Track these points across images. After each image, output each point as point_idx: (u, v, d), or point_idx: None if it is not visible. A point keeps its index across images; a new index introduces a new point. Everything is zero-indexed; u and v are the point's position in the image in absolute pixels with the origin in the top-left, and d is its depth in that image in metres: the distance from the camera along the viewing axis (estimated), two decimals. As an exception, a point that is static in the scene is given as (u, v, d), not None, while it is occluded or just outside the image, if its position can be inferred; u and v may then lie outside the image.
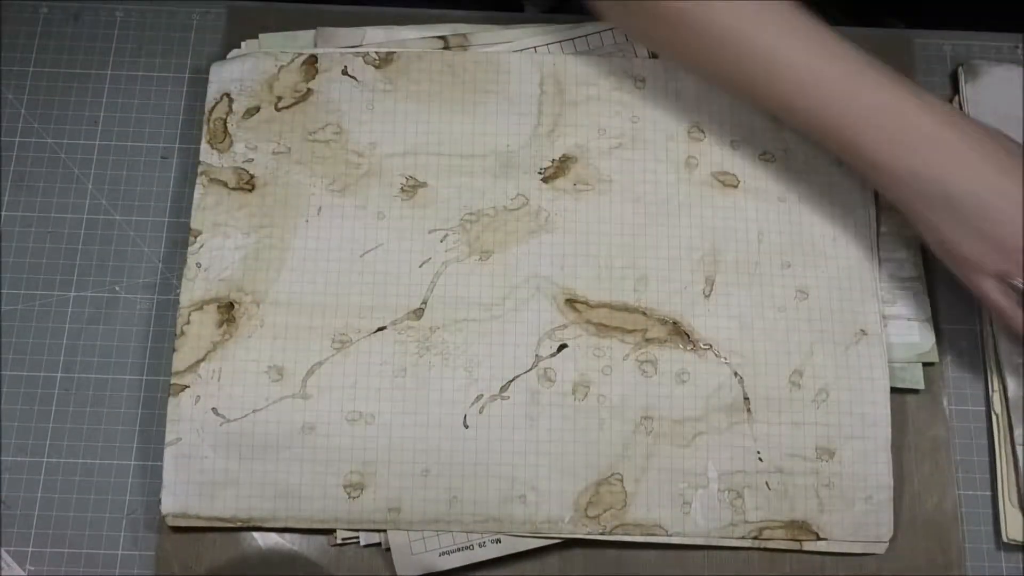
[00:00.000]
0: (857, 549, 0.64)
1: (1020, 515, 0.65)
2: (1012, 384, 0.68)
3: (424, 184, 0.69)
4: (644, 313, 0.66)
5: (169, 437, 0.64)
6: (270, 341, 0.65)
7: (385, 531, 0.63)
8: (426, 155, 0.69)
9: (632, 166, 0.69)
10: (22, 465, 0.66)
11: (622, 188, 0.69)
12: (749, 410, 0.65)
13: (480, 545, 0.63)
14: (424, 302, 0.66)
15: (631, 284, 0.67)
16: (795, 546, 0.64)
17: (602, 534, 0.63)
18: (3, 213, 0.71)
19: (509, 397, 0.65)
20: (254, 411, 0.64)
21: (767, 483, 0.64)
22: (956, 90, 0.75)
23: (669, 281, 0.67)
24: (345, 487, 0.63)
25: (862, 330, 0.67)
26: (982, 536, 0.66)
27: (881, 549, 0.64)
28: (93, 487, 0.66)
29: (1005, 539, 0.65)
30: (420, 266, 0.67)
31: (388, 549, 0.63)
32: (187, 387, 0.64)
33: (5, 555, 0.64)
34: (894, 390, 0.67)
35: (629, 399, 0.65)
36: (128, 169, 0.72)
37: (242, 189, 0.68)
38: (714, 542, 0.64)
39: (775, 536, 0.64)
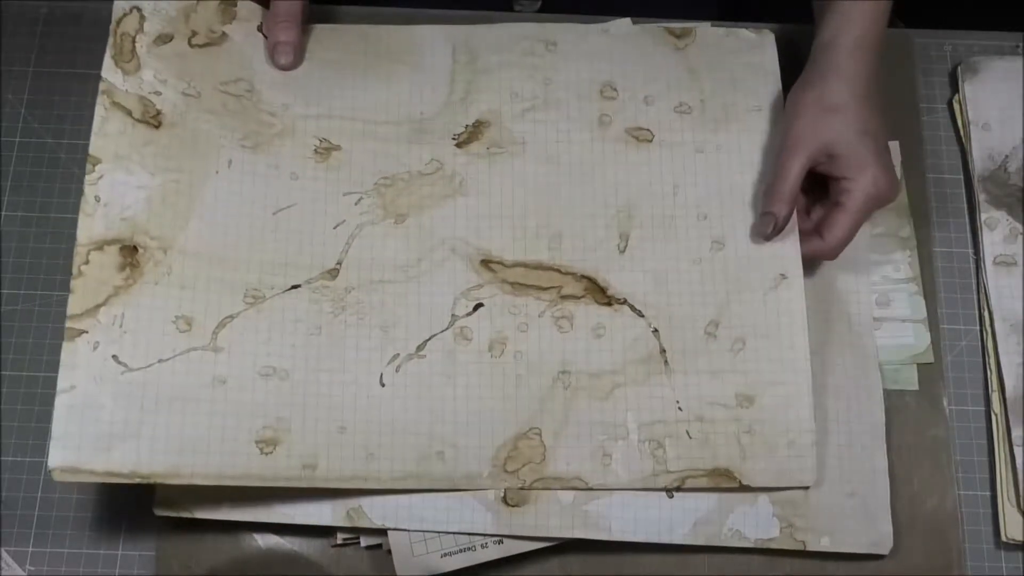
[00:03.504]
0: (855, 548, 0.64)
1: (1019, 515, 0.66)
2: (1011, 384, 0.68)
3: (338, 147, 0.68)
4: (559, 271, 0.67)
5: (62, 384, 0.61)
6: (178, 290, 0.64)
7: (386, 532, 0.63)
8: (340, 119, 0.69)
9: (545, 127, 0.70)
10: (22, 465, 0.66)
11: (535, 149, 0.69)
12: (666, 361, 0.65)
13: (482, 547, 0.63)
14: (339, 263, 0.66)
15: (546, 243, 0.67)
16: (798, 546, 0.64)
17: (521, 488, 0.63)
18: (3, 213, 0.71)
19: (426, 356, 0.65)
20: (160, 361, 0.62)
21: (687, 432, 0.64)
22: (956, 88, 0.75)
23: (584, 238, 0.68)
24: (258, 443, 0.62)
25: (782, 274, 0.67)
26: (982, 536, 0.66)
27: (885, 549, 0.64)
28: (93, 487, 0.66)
29: (1004, 539, 0.66)
30: (335, 228, 0.67)
31: (389, 551, 0.63)
32: (84, 332, 0.62)
33: (5, 555, 0.64)
34: (891, 391, 0.67)
35: (546, 354, 0.65)
36: (128, 169, 0.72)
37: (148, 123, 0.66)
38: (637, 488, 0.64)
39: (698, 485, 0.64)
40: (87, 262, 0.63)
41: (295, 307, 0.65)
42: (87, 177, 0.64)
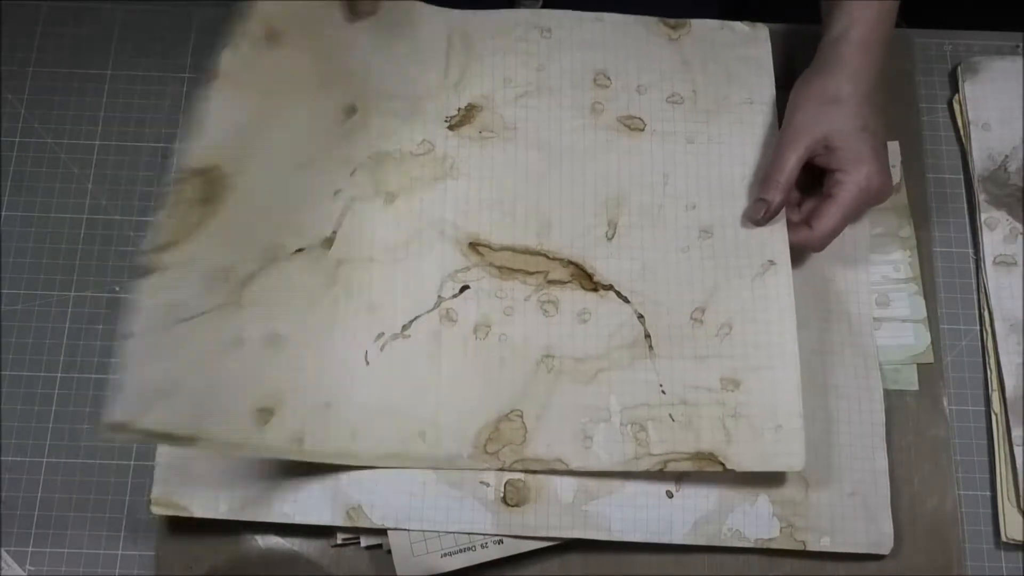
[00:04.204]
0: (855, 548, 0.64)
1: (1019, 515, 0.66)
2: (1011, 384, 0.68)
3: (355, 110, 0.68)
4: (546, 256, 0.67)
5: (123, 331, 0.56)
6: (230, 237, 0.60)
7: (386, 532, 0.63)
8: (356, 82, 0.68)
9: (537, 114, 0.70)
10: (22, 465, 0.66)
11: (527, 135, 0.70)
12: (651, 347, 0.65)
13: (482, 546, 0.63)
14: (334, 231, 0.66)
15: (534, 228, 0.68)
16: (798, 546, 0.64)
17: (501, 469, 0.63)
18: (3, 213, 0.71)
19: (411, 336, 0.65)
20: (203, 313, 0.59)
21: (670, 415, 0.64)
22: (956, 88, 0.75)
23: (572, 225, 0.68)
24: (258, 410, 0.61)
25: (770, 260, 0.67)
26: (982, 536, 0.66)
27: (885, 549, 0.64)
28: (93, 487, 0.66)
29: (1004, 539, 0.66)
30: (334, 194, 0.67)
31: (389, 551, 0.63)
32: (153, 271, 0.57)
33: (5, 555, 0.64)
34: (891, 391, 0.67)
35: (531, 338, 0.65)
36: (128, 169, 0.72)
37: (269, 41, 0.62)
38: (617, 470, 0.63)
39: (681, 468, 0.63)
40: (172, 195, 0.58)
41: (298, 272, 0.64)
42: (202, 93, 0.60)
